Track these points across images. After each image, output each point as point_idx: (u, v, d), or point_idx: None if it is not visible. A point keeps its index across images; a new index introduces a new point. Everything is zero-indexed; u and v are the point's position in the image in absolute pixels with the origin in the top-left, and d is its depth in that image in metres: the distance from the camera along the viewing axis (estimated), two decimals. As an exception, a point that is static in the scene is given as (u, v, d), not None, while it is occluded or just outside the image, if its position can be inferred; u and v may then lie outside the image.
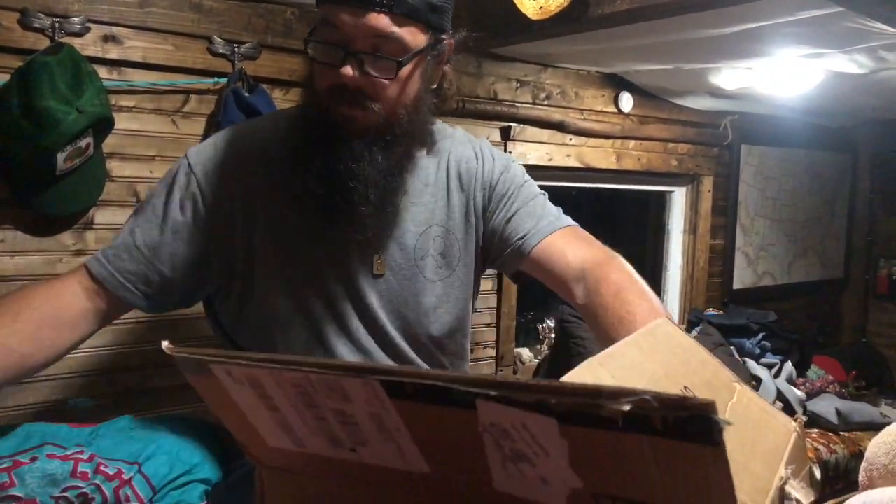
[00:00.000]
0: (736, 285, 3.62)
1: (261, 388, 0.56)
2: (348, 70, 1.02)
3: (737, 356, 2.96)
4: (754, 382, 2.87)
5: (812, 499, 0.75)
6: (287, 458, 0.62)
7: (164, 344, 0.58)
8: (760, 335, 3.09)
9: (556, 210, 1.28)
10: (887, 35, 1.98)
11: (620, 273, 1.12)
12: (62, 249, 1.83)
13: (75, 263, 1.82)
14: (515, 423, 0.46)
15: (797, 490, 0.73)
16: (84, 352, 1.85)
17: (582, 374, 0.68)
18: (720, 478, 0.43)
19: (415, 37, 1.05)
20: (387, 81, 1.05)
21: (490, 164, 1.27)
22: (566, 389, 0.43)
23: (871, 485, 0.92)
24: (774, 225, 3.81)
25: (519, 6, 1.64)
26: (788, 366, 3.07)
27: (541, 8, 1.63)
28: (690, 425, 0.40)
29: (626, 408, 0.40)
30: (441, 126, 1.28)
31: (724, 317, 3.22)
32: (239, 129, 1.25)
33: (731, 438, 0.41)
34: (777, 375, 3.01)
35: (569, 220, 1.26)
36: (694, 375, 0.80)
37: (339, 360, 0.73)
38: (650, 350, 0.80)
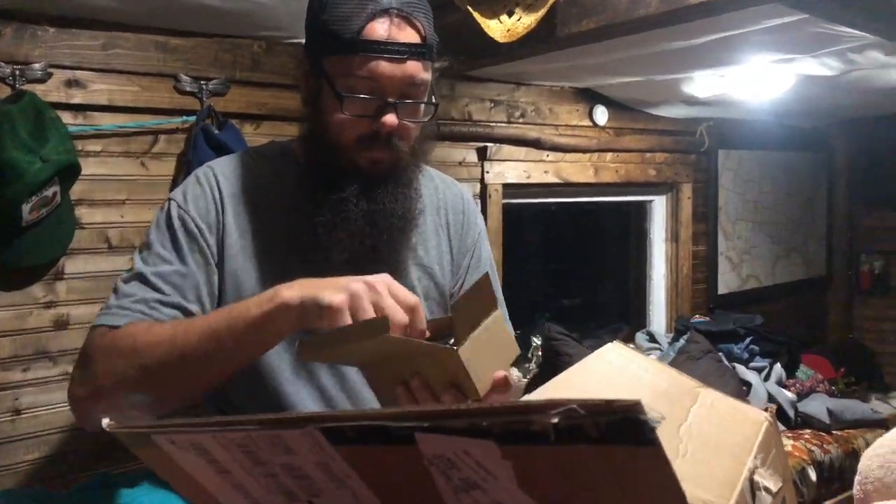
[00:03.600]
0: (721, 290, 3.62)
1: (207, 453, 0.54)
2: (392, 119, 1.04)
3: (726, 362, 2.95)
4: (745, 388, 2.86)
5: (780, 485, 0.76)
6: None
7: (105, 422, 0.55)
8: (748, 339, 3.08)
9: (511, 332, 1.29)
10: (854, 38, 1.99)
11: None
12: (32, 302, 1.78)
13: (46, 316, 1.79)
14: (458, 451, 0.45)
15: (766, 478, 0.74)
16: (56, 407, 1.80)
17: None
18: (663, 476, 0.42)
19: (429, 75, 1.09)
20: (419, 123, 1.09)
21: (467, 220, 1.30)
22: (495, 410, 0.43)
23: (866, 499, 0.91)
24: (756, 228, 3.82)
25: (486, 30, 1.63)
26: (778, 368, 3.07)
27: (508, 31, 1.62)
28: (623, 428, 0.40)
29: (555, 420, 0.40)
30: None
31: (710, 323, 3.21)
32: (217, 166, 1.19)
33: (693, 439, 0.41)
34: (767, 379, 3.01)
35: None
36: (647, 389, 0.83)
37: (276, 414, 0.71)
38: (599, 373, 0.83)
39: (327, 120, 1.08)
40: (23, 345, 1.77)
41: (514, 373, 2.94)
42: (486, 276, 0.88)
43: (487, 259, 1.33)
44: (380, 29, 1.04)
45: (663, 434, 0.40)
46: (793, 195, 4.05)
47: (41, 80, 1.75)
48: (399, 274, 1.16)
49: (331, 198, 1.08)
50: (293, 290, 0.88)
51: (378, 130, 1.05)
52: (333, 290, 0.85)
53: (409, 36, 1.05)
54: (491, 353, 0.83)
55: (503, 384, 0.83)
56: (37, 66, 1.74)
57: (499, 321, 0.87)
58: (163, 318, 1.02)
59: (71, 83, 1.81)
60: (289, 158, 1.18)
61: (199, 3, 1.84)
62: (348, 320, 0.83)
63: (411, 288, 1.19)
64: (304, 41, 1.14)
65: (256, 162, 1.18)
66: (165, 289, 1.04)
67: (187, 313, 1.05)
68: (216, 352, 0.93)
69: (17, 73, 1.71)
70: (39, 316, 1.78)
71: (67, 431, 1.83)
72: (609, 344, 0.94)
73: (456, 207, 1.30)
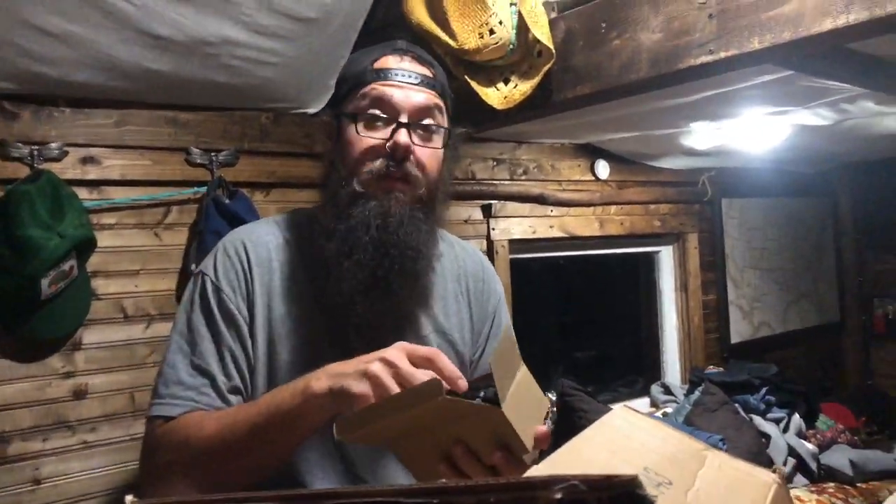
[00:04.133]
0: (734, 339, 3.60)
1: None
2: (405, 138, 1.08)
3: (742, 413, 2.91)
4: (764, 440, 2.82)
5: None
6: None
7: (128, 498, 0.57)
8: (764, 390, 3.04)
9: None
10: (843, 90, 2.04)
11: None
12: (51, 374, 1.81)
13: (65, 387, 1.82)
14: None
15: None
16: (75, 476, 1.82)
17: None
18: None
19: (444, 116, 1.15)
20: (431, 149, 1.12)
21: (487, 287, 1.31)
22: (501, 485, 0.44)
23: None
24: (765, 275, 3.82)
25: (484, 98, 1.69)
26: (796, 419, 3.02)
27: (505, 98, 1.68)
28: (623, 503, 0.41)
29: (558, 496, 0.41)
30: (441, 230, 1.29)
31: (725, 374, 3.18)
32: (242, 235, 1.20)
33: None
34: (786, 430, 2.95)
35: None
36: (654, 454, 0.82)
37: (294, 490, 0.73)
38: (605, 441, 0.83)
39: (345, 151, 1.12)
40: (43, 415, 1.79)
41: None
42: (508, 332, 0.92)
43: (506, 323, 1.33)
44: (391, 60, 1.12)
45: (671, 500, 0.42)
46: (800, 241, 4.06)
47: (57, 159, 1.82)
48: (417, 335, 1.18)
49: (340, 227, 1.10)
50: (321, 382, 0.92)
51: (393, 152, 1.08)
52: (357, 379, 0.89)
53: (420, 69, 1.13)
54: (527, 407, 0.85)
55: (544, 439, 0.85)
56: (53, 145, 1.81)
57: (528, 376, 0.89)
58: (212, 402, 1.06)
59: (86, 160, 1.87)
60: (313, 221, 1.20)
61: (207, 80, 1.92)
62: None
63: None
64: (310, 111, 1.21)
65: (280, 227, 1.21)
66: (212, 370, 1.08)
67: (234, 391, 1.09)
68: (260, 445, 0.98)
69: (35, 153, 1.78)
70: (59, 386, 1.81)
71: (85, 501, 1.84)
72: (615, 409, 0.94)
73: (476, 275, 1.31)
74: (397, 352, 0.89)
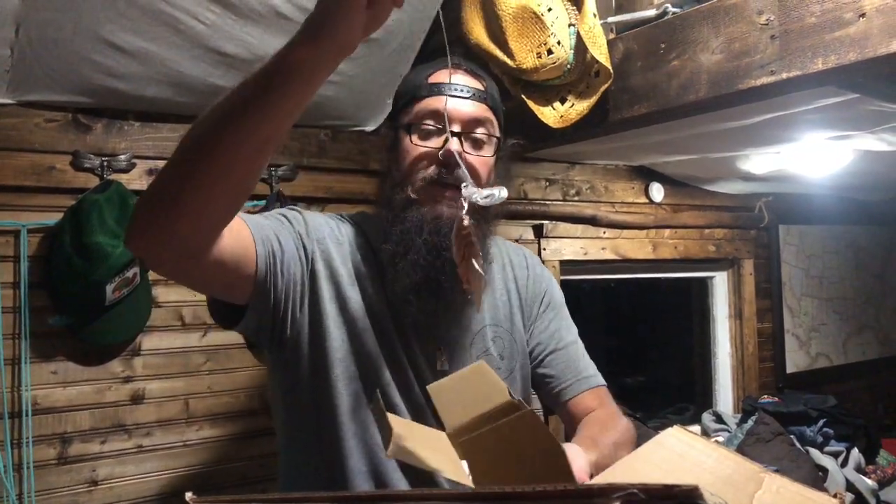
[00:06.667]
0: (790, 369, 3.50)
1: None
2: (456, 145, 1.12)
3: (798, 445, 2.82)
4: (821, 474, 2.73)
5: None
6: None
7: (188, 495, 0.59)
8: (821, 422, 2.95)
9: (593, 366, 1.37)
10: (912, 114, 1.98)
11: (609, 421, 1.24)
12: (111, 377, 1.88)
13: (124, 391, 1.88)
14: None
15: None
16: (131, 479, 1.86)
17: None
18: None
19: (495, 126, 1.21)
20: (484, 158, 1.17)
21: (535, 275, 1.37)
22: (560, 492, 0.44)
23: None
24: (823, 304, 3.71)
25: (540, 117, 1.69)
26: (855, 453, 2.92)
27: (561, 117, 1.68)
28: None
29: (617, 503, 0.41)
30: None
31: (780, 404, 3.09)
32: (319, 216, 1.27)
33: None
34: (844, 464, 2.85)
35: (601, 380, 1.36)
36: (709, 474, 0.81)
37: (350, 492, 0.73)
38: (659, 459, 0.82)
39: (400, 159, 1.18)
40: (101, 418, 1.85)
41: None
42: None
43: (559, 301, 1.40)
44: (444, 75, 1.17)
45: (728, 521, 0.41)
46: (861, 270, 3.93)
47: (125, 170, 1.89)
48: (472, 331, 1.24)
49: (395, 230, 1.15)
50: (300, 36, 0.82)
51: (445, 159, 1.12)
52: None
53: (471, 82, 1.19)
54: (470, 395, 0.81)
55: None
56: (122, 157, 1.89)
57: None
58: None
59: (152, 172, 1.94)
60: (372, 224, 1.25)
61: (271, 97, 1.97)
62: None
63: (485, 350, 1.25)
64: (367, 128, 1.26)
65: (347, 222, 1.27)
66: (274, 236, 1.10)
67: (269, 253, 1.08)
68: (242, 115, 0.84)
69: (105, 164, 1.86)
70: (117, 390, 1.87)
71: (141, 502, 1.89)
72: (669, 429, 0.93)
73: (520, 263, 1.38)
74: None
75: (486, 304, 1.27)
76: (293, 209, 1.22)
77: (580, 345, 1.38)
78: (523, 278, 1.36)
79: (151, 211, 0.89)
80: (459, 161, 1.09)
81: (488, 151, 1.18)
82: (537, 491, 0.46)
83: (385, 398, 1.15)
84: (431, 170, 1.15)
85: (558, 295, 1.41)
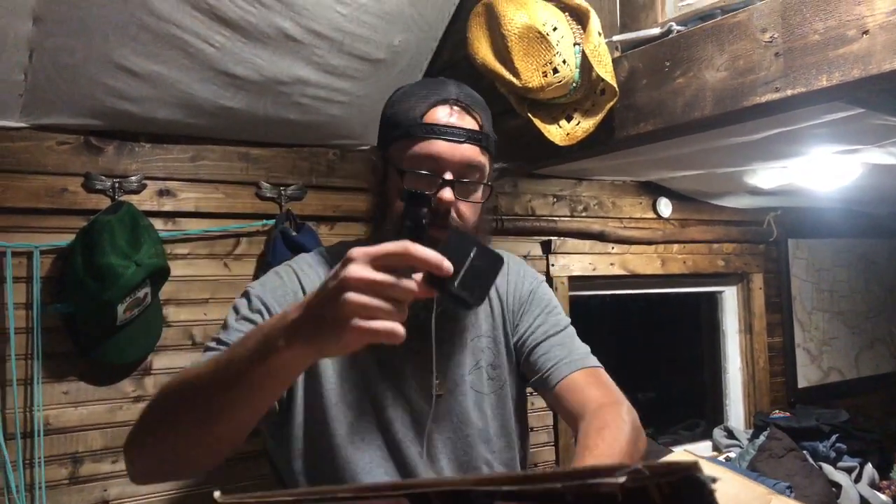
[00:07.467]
0: (801, 384, 3.48)
1: None
2: (449, 194, 1.13)
3: (811, 461, 2.80)
4: (835, 489, 2.71)
5: None
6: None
7: (216, 494, 0.60)
8: (834, 437, 2.93)
9: (585, 348, 1.33)
10: (919, 128, 1.98)
11: (615, 415, 1.18)
12: (122, 397, 1.89)
13: (135, 410, 1.88)
14: None
15: None
16: (141, 499, 1.87)
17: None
18: None
19: (488, 165, 1.20)
20: (474, 204, 1.18)
21: (519, 279, 1.37)
22: (566, 473, 0.46)
23: None
24: (834, 318, 3.69)
25: (546, 135, 1.71)
26: (869, 468, 2.89)
27: (567, 135, 1.69)
28: (683, 491, 0.43)
29: (622, 479, 0.43)
30: None
31: (791, 419, 3.07)
32: (292, 263, 1.29)
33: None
34: (858, 480, 2.83)
35: (595, 361, 1.31)
36: (718, 495, 0.81)
37: (371, 483, 0.74)
38: None
39: (390, 201, 1.18)
40: (113, 437, 1.86)
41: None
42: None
43: (547, 297, 1.38)
44: (440, 114, 1.16)
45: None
46: (872, 283, 3.91)
47: (136, 191, 1.92)
48: (463, 346, 1.27)
49: None
50: (294, 349, 0.84)
51: (437, 208, 1.12)
52: (337, 327, 0.79)
53: (467, 123, 1.17)
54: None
55: None
56: (133, 178, 1.91)
57: None
58: None
59: (162, 193, 1.97)
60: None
61: (279, 118, 2.00)
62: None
63: (475, 363, 1.28)
64: (375, 145, 1.26)
65: (327, 259, 1.28)
66: (230, 340, 1.10)
67: None
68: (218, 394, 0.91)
69: (117, 185, 1.88)
70: (129, 410, 1.88)
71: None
72: (675, 451, 0.94)
73: (502, 272, 1.36)
74: (360, 267, 0.78)
75: (472, 319, 1.29)
76: (248, 294, 1.20)
77: (571, 331, 1.35)
78: (503, 284, 1.35)
79: (146, 459, 1.05)
80: (452, 212, 1.13)
81: (478, 196, 1.19)
82: (546, 473, 0.48)
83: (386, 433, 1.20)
84: (422, 213, 1.12)
85: (544, 291, 1.39)
